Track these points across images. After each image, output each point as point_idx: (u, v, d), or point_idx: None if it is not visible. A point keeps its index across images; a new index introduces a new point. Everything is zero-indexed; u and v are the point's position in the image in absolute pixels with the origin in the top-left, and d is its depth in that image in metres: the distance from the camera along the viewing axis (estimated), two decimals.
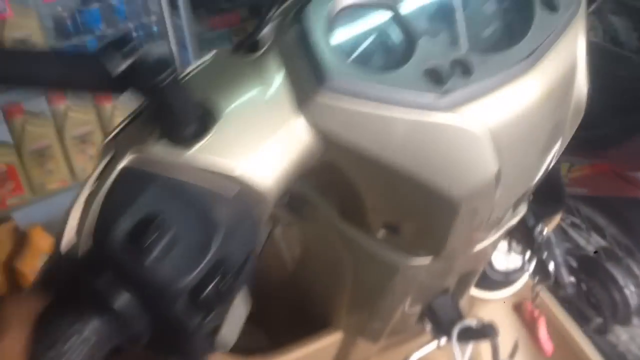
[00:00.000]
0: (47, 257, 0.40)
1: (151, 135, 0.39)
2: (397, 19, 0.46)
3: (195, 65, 0.44)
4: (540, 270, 0.78)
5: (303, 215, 0.62)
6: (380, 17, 0.46)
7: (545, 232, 0.72)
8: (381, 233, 0.56)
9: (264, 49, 0.44)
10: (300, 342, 0.71)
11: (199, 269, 0.37)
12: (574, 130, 0.56)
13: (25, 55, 0.40)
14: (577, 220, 1.86)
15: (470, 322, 0.66)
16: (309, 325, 0.74)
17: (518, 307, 0.86)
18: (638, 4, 1.62)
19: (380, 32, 0.46)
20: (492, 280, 0.77)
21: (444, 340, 0.68)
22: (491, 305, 0.81)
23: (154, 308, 0.38)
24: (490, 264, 0.76)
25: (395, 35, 0.46)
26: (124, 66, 0.37)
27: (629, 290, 1.72)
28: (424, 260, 0.57)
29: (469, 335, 0.67)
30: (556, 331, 0.88)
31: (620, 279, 1.73)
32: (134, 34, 2.21)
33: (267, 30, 0.45)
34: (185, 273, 0.37)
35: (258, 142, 0.41)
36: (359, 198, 0.52)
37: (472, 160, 0.46)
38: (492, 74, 0.45)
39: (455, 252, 0.57)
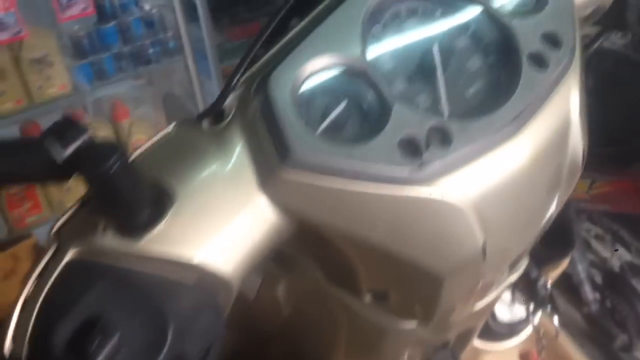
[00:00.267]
0: None
1: (98, 225, 0.37)
2: (370, 82, 0.43)
3: (154, 139, 0.41)
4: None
5: (290, 271, 0.60)
6: (351, 81, 0.43)
7: (549, 286, 0.68)
8: (368, 298, 0.53)
9: (227, 120, 0.42)
10: None
11: None
12: (572, 187, 0.52)
13: None
14: (600, 231, 1.80)
15: None
16: None
17: (525, 356, 0.82)
18: None
19: (352, 97, 0.43)
20: (495, 331, 0.74)
21: None
22: (496, 356, 0.77)
23: None
24: (493, 316, 0.73)
25: (368, 100, 0.43)
26: (69, 151, 0.35)
27: None
28: (415, 324, 0.54)
29: None
30: None
31: None
32: (151, 50, 2.21)
33: (231, 99, 0.43)
34: None
35: (218, 227, 0.39)
36: (340, 265, 0.49)
37: (455, 234, 0.43)
38: (473, 141, 0.41)
39: (447, 316, 0.54)
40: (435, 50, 0.45)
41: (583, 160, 0.50)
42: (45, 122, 2.05)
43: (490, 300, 0.57)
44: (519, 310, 0.71)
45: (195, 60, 2.35)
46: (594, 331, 1.88)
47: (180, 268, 0.38)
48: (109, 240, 0.37)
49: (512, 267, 0.56)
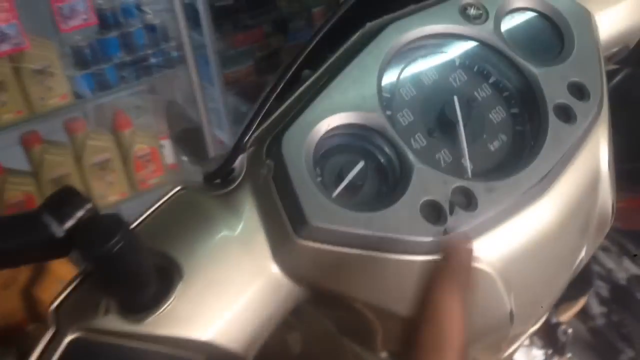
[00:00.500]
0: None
1: (99, 306, 0.34)
2: (389, 140, 0.40)
3: (157, 204, 0.38)
4: None
5: (302, 320, 0.57)
6: (369, 139, 0.40)
7: (569, 332, 0.66)
8: (384, 355, 0.50)
9: (235, 184, 0.39)
10: None
11: None
12: (602, 239, 0.50)
13: None
14: (606, 243, 1.77)
15: None
16: None
17: None
18: None
19: (370, 157, 0.40)
20: None
21: None
22: None
23: None
24: None
25: (387, 160, 0.40)
26: (69, 225, 0.32)
27: None
28: None
29: None
30: None
31: None
32: (153, 60, 2.18)
33: (241, 159, 0.40)
34: None
35: (230, 302, 0.36)
36: (358, 325, 0.47)
37: (482, 300, 0.40)
38: (499, 203, 0.39)
39: None
40: (456, 101, 0.42)
41: (612, 213, 0.48)
42: (46, 132, 2.04)
43: (512, 350, 0.55)
44: (537, 354, 0.69)
45: (198, 67, 2.32)
46: (600, 345, 1.85)
47: (189, 346, 0.35)
48: (111, 322, 0.34)
49: (538, 320, 0.53)
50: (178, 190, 0.39)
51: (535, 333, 0.71)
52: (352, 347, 0.53)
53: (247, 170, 0.39)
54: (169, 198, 0.39)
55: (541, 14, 0.48)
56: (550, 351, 0.68)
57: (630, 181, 1.39)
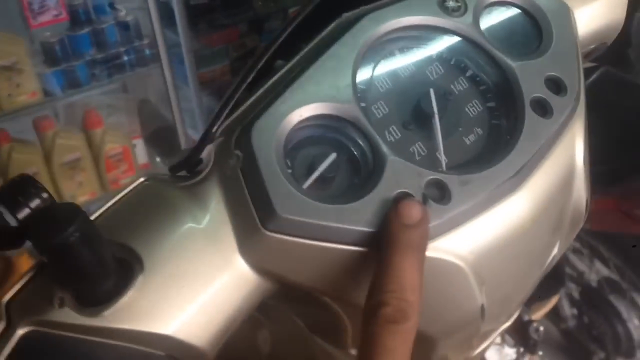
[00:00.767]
0: None
1: (54, 298, 0.32)
2: (362, 131, 0.39)
3: (118, 196, 0.37)
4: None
5: (270, 317, 0.56)
6: (341, 131, 0.39)
7: (541, 329, 0.66)
8: (355, 352, 0.49)
9: (202, 175, 0.38)
10: None
11: None
12: (574, 235, 0.49)
13: None
14: (578, 245, 1.79)
15: None
16: None
17: None
18: None
19: (342, 149, 0.39)
20: None
21: None
22: None
23: None
24: (482, 358, 0.70)
25: (360, 152, 0.39)
26: (23, 214, 0.30)
27: (633, 324, 1.70)
28: None
29: None
30: None
31: (624, 312, 1.69)
32: (125, 58, 2.15)
33: (209, 150, 0.39)
34: None
35: (193, 295, 0.34)
36: (327, 321, 0.46)
37: (453, 295, 0.40)
38: (474, 197, 0.38)
39: None
40: (432, 94, 0.41)
41: (586, 210, 0.47)
42: (14, 130, 1.99)
43: (483, 347, 0.54)
44: (509, 352, 0.69)
45: (172, 66, 2.29)
46: (572, 347, 1.87)
47: (149, 340, 0.34)
48: (67, 315, 0.32)
49: (510, 316, 0.53)
50: (142, 182, 0.37)
51: (507, 331, 0.71)
52: (322, 345, 0.52)
53: (215, 161, 0.38)
54: (132, 189, 0.37)
55: (520, 8, 0.47)
56: (521, 349, 0.68)
57: (602, 182, 1.40)
